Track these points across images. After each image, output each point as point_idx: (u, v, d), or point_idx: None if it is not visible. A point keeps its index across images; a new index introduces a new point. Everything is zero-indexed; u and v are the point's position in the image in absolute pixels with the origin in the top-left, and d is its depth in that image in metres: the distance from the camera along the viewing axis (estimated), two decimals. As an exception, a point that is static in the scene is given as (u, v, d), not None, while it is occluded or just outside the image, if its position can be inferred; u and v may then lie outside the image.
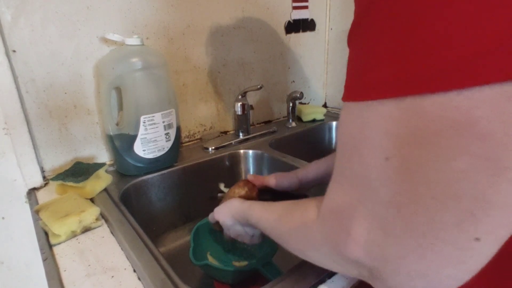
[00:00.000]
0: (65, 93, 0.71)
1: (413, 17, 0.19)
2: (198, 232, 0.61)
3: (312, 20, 1.11)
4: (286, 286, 0.42)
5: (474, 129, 0.18)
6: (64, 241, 0.52)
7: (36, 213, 0.58)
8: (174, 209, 0.80)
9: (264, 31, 0.99)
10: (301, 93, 0.98)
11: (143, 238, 0.52)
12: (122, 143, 0.70)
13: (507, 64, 0.17)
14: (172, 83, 0.75)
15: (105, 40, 0.72)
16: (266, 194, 0.57)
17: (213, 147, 0.87)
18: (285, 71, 1.10)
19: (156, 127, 0.71)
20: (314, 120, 1.10)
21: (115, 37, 0.69)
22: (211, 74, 0.92)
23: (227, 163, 0.86)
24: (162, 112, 0.71)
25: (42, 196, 0.67)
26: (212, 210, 0.55)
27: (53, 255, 0.50)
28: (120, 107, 0.71)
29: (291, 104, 1.03)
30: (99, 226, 0.56)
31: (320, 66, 1.20)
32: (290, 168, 0.79)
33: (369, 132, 0.23)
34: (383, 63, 0.21)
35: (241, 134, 0.94)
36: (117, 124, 0.71)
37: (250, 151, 0.88)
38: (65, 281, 0.44)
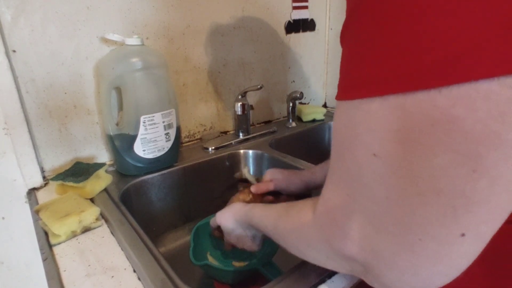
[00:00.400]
0: (65, 93, 0.71)
1: (395, 18, 0.20)
2: (198, 232, 0.61)
3: (312, 20, 1.11)
4: (286, 286, 0.42)
5: (453, 127, 0.19)
6: (64, 241, 0.52)
7: (36, 213, 0.58)
8: (174, 209, 0.80)
9: (264, 31, 0.99)
10: (301, 93, 0.98)
11: (143, 238, 0.52)
12: (122, 143, 0.70)
13: (484, 63, 0.17)
14: (172, 83, 0.75)
15: (105, 40, 0.72)
16: (271, 196, 0.58)
17: (213, 147, 0.87)
18: (285, 71, 1.10)
19: (156, 127, 0.71)
20: (314, 120, 1.10)
21: (115, 37, 0.69)
22: (211, 74, 0.92)
23: (227, 163, 0.86)
24: (162, 112, 0.71)
25: (42, 196, 0.67)
26: (212, 211, 0.55)
27: (53, 255, 0.50)
28: (120, 107, 0.71)
29: (291, 104, 1.03)
30: (99, 226, 0.56)
31: (320, 66, 1.20)
32: (289, 168, 0.79)
33: (358, 130, 0.23)
34: (368, 62, 0.21)
35: (241, 134, 0.94)
36: (117, 124, 0.71)
37: (250, 151, 0.88)
38: (65, 281, 0.44)
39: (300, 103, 1.18)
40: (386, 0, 0.20)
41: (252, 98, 1.02)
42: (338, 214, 0.27)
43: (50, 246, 0.52)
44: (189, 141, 0.93)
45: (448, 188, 0.20)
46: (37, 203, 0.63)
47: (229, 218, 0.51)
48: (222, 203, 0.85)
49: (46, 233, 0.54)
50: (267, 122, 1.11)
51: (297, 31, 1.08)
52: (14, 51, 0.64)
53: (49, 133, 0.71)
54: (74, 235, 0.54)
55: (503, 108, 0.18)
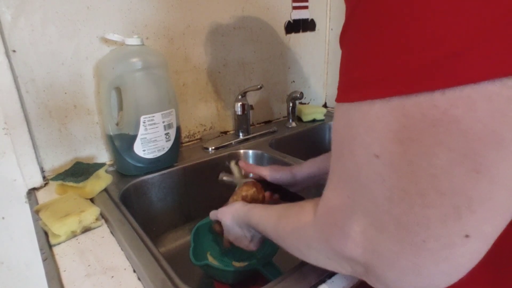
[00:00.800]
0: (65, 93, 0.71)
1: (393, 20, 0.20)
2: (198, 232, 0.61)
3: (312, 20, 1.11)
4: (286, 286, 0.42)
5: (453, 127, 0.19)
6: (64, 241, 0.52)
7: (36, 213, 0.58)
8: (174, 209, 0.80)
9: (264, 31, 0.99)
10: (301, 93, 0.98)
11: (143, 238, 0.52)
12: (122, 143, 0.70)
13: (484, 64, 0.17)
14: (172, 83, 0.75)
15: (105, 40, 0.72)
16: (274, 193, 0.58)
17: (213, 147, 0.87)
18: (285, 71, 1.10)
19: (156, 127, 0.71)
20: (314, 120, 1.10)
21: (115, 37, 0.69)
22: (211, 74, 0.92)
23: (227, 163, 0.86)
24: (162, 112, 0.71)
25: (42, 196, 0.67)
26: (212, 209, 0.55)
27: (53, 255, 0.50)
28: (120, 107, 0.71)
29: (291, 104, 1.03)
30: (99, 226, 0.56)
31: (320, 66, 1.20)
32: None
33: (358, 131, 0.23)
34: (367, 64, 0.22)
35: (241, 134, 0.94)
36: (117, 124, 0.71)
37: (250, 151, 0.88)
38: (65, 281, 0.44)
39: (300, 103, 1.18)
40: (383, 2, 0.20)
41: (252, 98, 1.02)
42: (339, 214, 0.27)
43: (50, 246, 0.52)
44: (189, 141, 0.93)
45: (449, 188, 0.20)
46: (37, 203, 0.63)
47: (229, 216, 0.51)
48: (222, 203, 0.85)
49: (46, 233, 0.54)
50: (267, 122, 1.11)
51: (297, 31, 1.08)
52: (14, 51, 0.64)
53: (49, 133, 0.71)
54: (74, 235, 0.54)
55: (503, 108, 0.18)
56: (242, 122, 0.94)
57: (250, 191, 0.55)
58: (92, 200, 0.63)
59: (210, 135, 0.96)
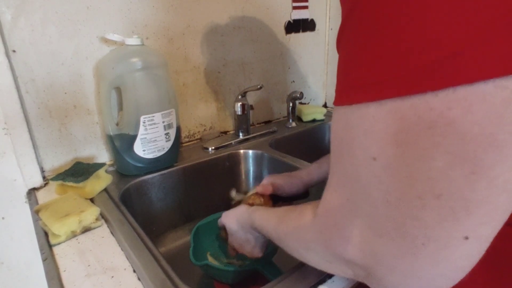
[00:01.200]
0: (65, 93, 0.71)
1: (388, 23, 0.20)
2: (198, 232, 0.61)
3: (312, 20, 1.11)
4: (286, 286, 0.42)
5: (450, 129, 0.19)
6: (64, 241, 0.52)
7: (36, 213, 0.58)
8: (174, 209, 0.80)
9: (264, 31, 0.99)
10: (301, 93, 0.98)
11: (143, 238, 0.52)
12: (122, 143, 0.70)
13: (478, 65, 0.17)
14: (172, 83, 0.75)
15: (105, 40, 0.72)
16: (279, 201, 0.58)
17: (213, 147, 0.87)
18: (285, 71, 1.10)
19: (156, 127, 0.71)
20: (314, 120, 1.10)
21: (115, 37, 0.69)
22: (211, 74, 0.92)
23: (227, 163, 0.86)
24: (162, 112, 0.71)
25: (42, 196, 0.67)
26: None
27: (53, 255, 0.50)
28: (120, 107, 0.71)
29: (291, 104, 1.03)
30: (99, 226, 0.56)
31: (320, 66, 1.20)
32: (289, 168, 0.79)
33: (356, 134, 0.23)
34: (364, 67, 0.22)
35: (241, 134, 0.94)
36: (117, 124, 0.71)
37: (250, 151, 0.88)
38: (65, 281, 0.44)
39: (300, 103, 1.18)
40: (379, 5, 0.20)
41: (252, 98, 1.02)
42: (338, 217, 0.27)
43: (50, 246, 0.52)
44: (189, 141, 0.93)
45: (447, 190, 0.20)
46: (37, 203, 0.63)
47: (233, 219, 0.51)
48: (222, 203, 0.85)
49: (46, 233, 0.54)
50: (267, 122, 1.11)
51: (297, 31, 1.08)
52: (14, 51, 0.64)
53: (49, 133, 0.71)
54: (74, 235, 0.54)
55: (499, 109, 0.18)
56: (242, 122, 0.94)
57: (257, 200, 0.55)
58: (92, 200, 0.63)
59: (210, 135, 0.96)
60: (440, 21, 0.18)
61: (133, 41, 0.68)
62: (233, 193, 0.65)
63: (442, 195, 0.20)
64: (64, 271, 0.46)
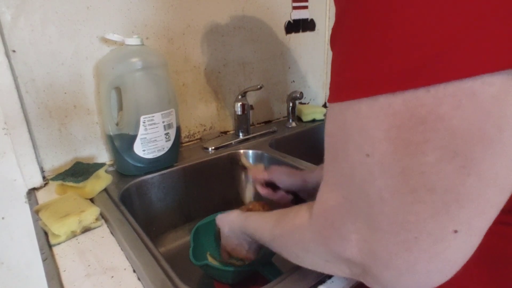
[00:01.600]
0: (65, 93, 0.71)
1: (379, 20, 0.20)
2: (198, 232, 0.61)
3: (312, 20, 1.11)
4: (286, 286, 0.42)
5: (440, 125, 0.19)
6: (64, 241, 0.52)
7: (36, 213, 0.58)
8: (174, 209, 0.80)
9: (264, 31, 0.99)
10: (301, 93, 0.98)
11: (143, 238, 0.52)
12: (122, 143, 0.70)
13: (467, 62, 0.18)
14: (172, 83, 0.75)
15: (105, 40, 0.72)
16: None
17: (213, 147, 0.87)
18: (285, 71, 1.10)
19: (156, 127, 0.71)
20: (314, 120, 1.10)
21: (115, 37, 0.69)
22: (211, 74, 0.92)
23: (227, 163, 0.86)
24: (162, 112, 0.71)
25: (42, 196, 0.67)
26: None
27: (53, 255, 0.50)
28: (120, 107, 0.71)
29: (291, 104, 1.03)
30: (99, 226, 0.56)
31: (320, 66, 1.20)
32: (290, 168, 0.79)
33: (350, 131, 0.23)
34: (356, 64, 0.22)
35: (241, 134, 0.94)
36: (117, 124, 0.71)
37: (250, 151, 0.88)
38: (65, 281, 0.44)
39: (300, 103, 1.18)
40: (370, 3, 0.20)
41: (252, 98, 1.02)
42: (335, 216, 0.27)
43: (50, 246, 0.52)
44: (189, 141, 0.93)
45: (438, 185, 0.20)
46: (37, 203, 0.63)
47: (227, 225, 0.51)
48: (222, 203, 0.85)
49: (46, 233, 0.54)
50: (267, 122, 1.11)
51: (297, 31, 1.08)
52: (14, 51, 0.64)
53: (49, 133, 0.71)
54: (74, 235, 0.54)
55: (487, 105, 0.18)
56: (242, 122, 0.94)
57: (256, 207, 0.55)
58: (92, 200, 0.63)
59: (210, 135, 0.96)
60: (430, 18, 0.18)
61: (133, 41, 0.68)
62: (244, 160, 0.65)
63: (434, 190, 0.21)
64: (64, 271, 0.46)
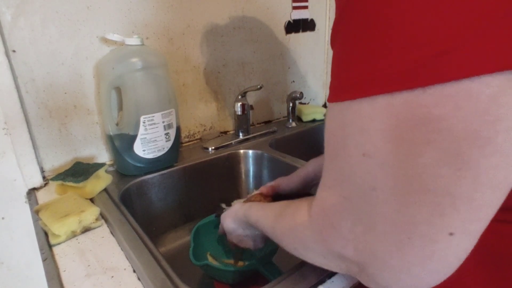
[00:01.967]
0: (65, 93, 0.71)
1: (379, 20, 0.20)
2: (198, 232, 0.61)
3: (312, 20, 1.11)
4: (286, 286, 0.42)
5: (437, 126, 0.19)
6: (64, 241, 0.52)
7: (36, 213, 0.58)
8: (174, 209, 0.80)
9: (264, 31, 0.99)
10: (301, 93, 0.98)
11: (143, 238, 0.52)
12: (122, 143, 0.70)
13: (464, 63, 0.18)
14: (172, 83, 0.75)
15: (105, 40, 0.72)
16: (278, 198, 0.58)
17: (213, 147, 0.87)
18: (285, 71, 1.10)
19: (156, 127, 0.71)
20: (314, 120, 1.10)
21: (115, 37, 0.69)
22: (211, 74, 0.92)
23: (227, 163, 0.86)
24: (162, 112, 0.71)
25: (42, 196, 0.67)
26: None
27: (53, 255, 0.50)
28: (120, 107, 0.71)
29: (291, 104, 1.03)
30: (99, 226, 0.56)
31: (320, 66, 1.20)
32: (289, 168, 0.79)
33: (349, 130, 0.24)
34: (356, 64, 0.22)
35: (241, 134, 0.94)
36: (117, 124, 0.71)
37: (250, 151, 0.88)
38: (65, 281, 0.44)
39: (300, 103, 1.18)
40: (369, 4, 0.20)
41: (252, 98, 1.02)
42: (333, 214, 0.27)
43: (50, 246, 0.52)
44: (189, 141, 0.93)
45: (434, 186, 0.20)
46: (37, 203, 0.63)
47: (230, 218, 0.51)
48: (222, 203, 0.85)
49: (46, 233, 0.54)
50: (267, 122, 1.11)
51: (297, 31, 1.08)
52: (14, 51, 0.64)
53: (49, 133, 0.71)
54: (74, 235, 0.54)
55: (484, 106, 0.18)
56: (242, 122, 0.94)
57: (258, 198, 0.55)
58: (92, 200, 0.63)
59: (210, 135, 0.96)
60: (429, 19, 0.18)
61: (133, 41, 0.68)
62: (224, 206, 0.65)
63: (430, 191, 0.21)
64: (64, 271, 0.46)
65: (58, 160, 0.73)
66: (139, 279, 0.45)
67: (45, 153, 0.71)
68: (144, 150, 0.71)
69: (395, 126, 0.21)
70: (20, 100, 0.65)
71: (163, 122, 0.71)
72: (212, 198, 0.85)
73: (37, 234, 0.55)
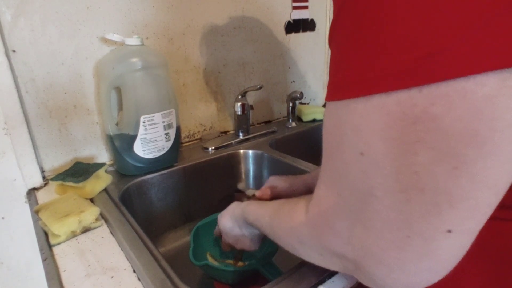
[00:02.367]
0: (65, 93, 0.71)
1: (374, 20, 0.20)
2: (198, 232, 0.61)
3: (312, 20, 1.11)
4: (286, 286, 0.42)
5: (433, 125, 0.19)
6: (64, 241, 0.52)
7: (36, 213, 0.58)
8: (174, 209, 0.80)
9: (264, 31, 0.99)
10: (301, 93, 0.98)
11: (143, 238, 0.52)
12: (122, 143, 0.70)
13: (459, 62, 0.18)
14: (172, 83, 0.75)
15: (105, 40, 0.72)
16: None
17: (213, 147, 0.87)
18: (285, 71, 1.10)
19: (156, 127, 0.71)
20: (314, 120, 1.10)
21: (115, 37, 0.69)
22: (211, 74, 0.92)
23: (227, 163, 0.86)
24: (162, 112, 0.71)
25: (42, 196, 0.67)
26: (212, 211, 0.55)
27: (52, 255, 0.50)
28: (120, 107, 0.71)
29: (291, 104, 1.03)
30: (99, 226, 0.56)
31: (320, 66, 1.20)
32: (289, 168, 0.79)
33: (345, 130, 0.24)
34: (352, 64, 0.22)
35: (241, 134, 0.94)
36: (117, 124, 0.71)
37: (250, 151, 0.88)
38: (64, 282, 0.44)
39: (300, 103, 1.18)
40: (364, 4, 0.20)
41: (252, 98, 1.02)
42: (329, 213, 0.28)
43: (50, 246, 0.52)
44: (189, 141, 0.93)
45: (430, 185, 0.21)
46: (37, 203, 0.63)
47: (227, 217, 0.51)
48: (222, 203, 0.85)
49: (46, 233, 0.54)
50: (267, 122, 1.11)
51: (297, 31, 1.08)
52: (14, 51, 0.64)
53: (49, 133, 0.71)
54: (74, 235, 0.54)
55: (479, 105, 0.18)
56: (242, 122, 0.94)
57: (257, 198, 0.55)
58: (92, 200, 0.63)
59: (210, 135, 0.96)
60: (423, 18, 0.18)
61: (133, 41, 0.68)
62: (250, 191, 0.64)
63: (426, 190, 0.21)
64: (64, 271, 0.46)
65: (58, 160, 0.73)
66: (139, 279, 0.45)
67: (45, 153, 0.71)
68: (144, 150, 0.71)
69: (390, 125, 0.21)
70: (20, 100, 0.65)
71: (163, 122, 0.71)
72: (212, 198, 0.85)
73: (37, 234, 0.55)
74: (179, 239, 0.79)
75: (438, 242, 0.22)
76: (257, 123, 1.08)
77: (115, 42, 0.72)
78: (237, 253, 0.60)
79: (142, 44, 0.69)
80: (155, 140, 0.71)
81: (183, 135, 0.92)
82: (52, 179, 0.65)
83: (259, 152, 0.87)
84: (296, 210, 0.34)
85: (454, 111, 0.19)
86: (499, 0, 0.17)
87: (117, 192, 0.67)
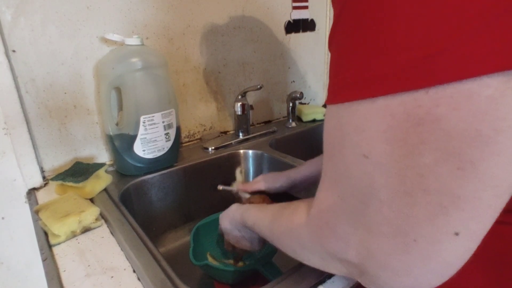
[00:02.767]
0: (65, 93, 0.71)
1: (376, 21, 0.20)
2: (198, 232, 0.61)
3: (312, 20, 1.11)
4: (286, 286, 0.42)
5: (437, 126, 0.19)
6: (63, 241, 0.52)
7: (36, 213, 0.58)
8: (174, 209, 0.80)
9: (264, 31, 0.99)
10: (301, 93, 0.98)
11: (143, 238, 0.52)
12: (122, 143, 0.70)
13: (464, 63, 0.18)
14: (172, 83, 0.75)
15: (105, 40, 0.72)
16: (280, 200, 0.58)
17: (213, 147, 0.87)
18: (285, 71, 1.10)
19: (156, 127, 0.71)
20: (314, 120, 1.10)
21: (115, 37, 0.69)
22: (211, 74, 0.92)
23: (227, 163, 0.86)
24: (162, 112, 0.71)
25: (42, 196, 0.67)
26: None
27: (52, 255, 0.50)
28: (120, 107, 0.71)
29: (291, 104, 1.03)
30: (99, 226, 0.56)
31: (320, 66, 1.20)
32: (289, 168, 0.79)
33: (347, 132, 0.24)
34: (354, 65, 0.22)
35: (241, 134, 0.94)
36: (117, 124, 0.71)
37: (250, 151, 0.88)
38: (64, 282, 0.44)
39: (300, 103, 1.18)
40: (366, 5, 0.20)
41: (252, 98, 1.02)
42: (331, 215, 0.27)
43: (50, 246, 0.52)
44: (189, 141, 0.93)
45: (435, 186, 0.20)
46: (37, 203, 0.63)
47: (227, 219, 0.51)
48: (222, 203, 0.85)
49: (46, 233, 0.54)
50: (267, 122, 1.11)
51: (297, 31, 1.08)
52: (14, 51, 0.64)
53: (49, 133, 0.71)
54: (73, 235, 0.54)
55: (484, 106, 0.18)
56: (242, 122, 0.94)
57: (257, 200, 0.55)
58: (92, 200, 0.63)
59: (210, 135, 0.96)
60: (427, 19, 0.18)
61: (133, 41, 0.68)
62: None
63: (431, 191, 0.21)
64: (64, 271, 0.46)
65: (58, 160, 0.73)
66: (139, 279, 0.45)
67: (45, 153, 0.71)
68: (144, 150, 0.71)
69: (393, 126, 0.21)
70: (20, 100, 0.65)
71: (163, 122, 0.71)
72: (212, 198, 0.85)
73: (37, 234, 0.55)
74: (179, 239, 0.79)
75: (443, 244, 0.22)
76: (257, 123, 1.08)
77: (115, 42, 0.72)
78: (239, 253, 0.60)
79: (142, 44, 0.69)
80: (155, 140, 0.71)
81: (183, 135, 0.92)
82: (52, 179, 0.65)
83: (259, 152, 0.87)
84: (297, 213, 0.34)
85: (459, 112, 0.18)
86: (500, 1, 0.17)
87: (117, 192, 0.67)
